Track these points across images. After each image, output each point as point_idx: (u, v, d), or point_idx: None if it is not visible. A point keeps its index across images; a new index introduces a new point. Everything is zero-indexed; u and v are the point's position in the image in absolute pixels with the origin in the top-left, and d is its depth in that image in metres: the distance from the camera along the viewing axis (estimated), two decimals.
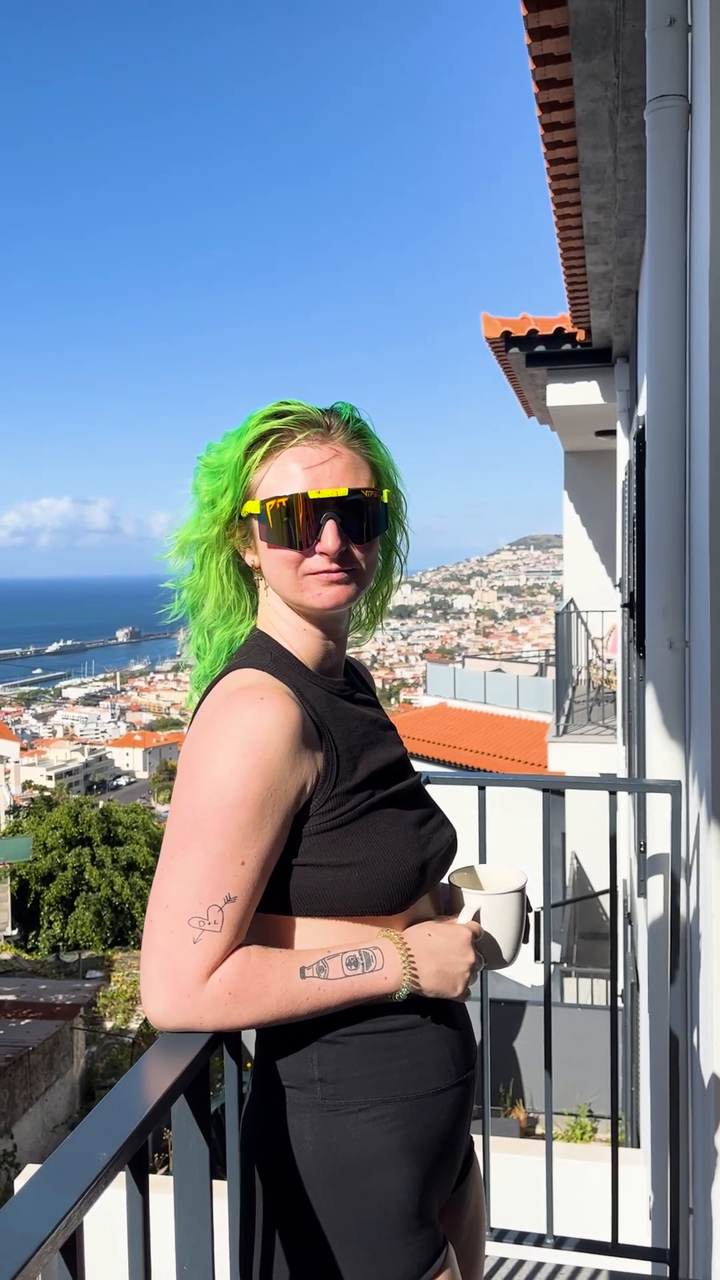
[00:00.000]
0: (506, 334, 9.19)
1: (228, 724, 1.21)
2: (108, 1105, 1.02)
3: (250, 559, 1.35)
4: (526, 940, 1.45)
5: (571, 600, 12.82)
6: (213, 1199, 1.22)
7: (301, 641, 1.35)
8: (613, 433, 10.44)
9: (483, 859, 2.47)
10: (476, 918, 1.40)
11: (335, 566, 1.29)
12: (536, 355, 9.37)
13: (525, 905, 1.44)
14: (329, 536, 1.27)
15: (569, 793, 2.48)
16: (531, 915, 1.46)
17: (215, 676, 1.33)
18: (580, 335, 8.82)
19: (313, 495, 1.27)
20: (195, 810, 1.19)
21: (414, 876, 1.30)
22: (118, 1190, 1.05)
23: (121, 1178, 0.99)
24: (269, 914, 1.27)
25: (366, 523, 1.31)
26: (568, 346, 9.15)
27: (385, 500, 1.35)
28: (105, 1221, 1.35)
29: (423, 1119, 1.29)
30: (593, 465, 13.20)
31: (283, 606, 1.35)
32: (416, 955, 1.27)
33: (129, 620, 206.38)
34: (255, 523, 1.31)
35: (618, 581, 9.37)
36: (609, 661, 12.63)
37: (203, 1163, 1.17)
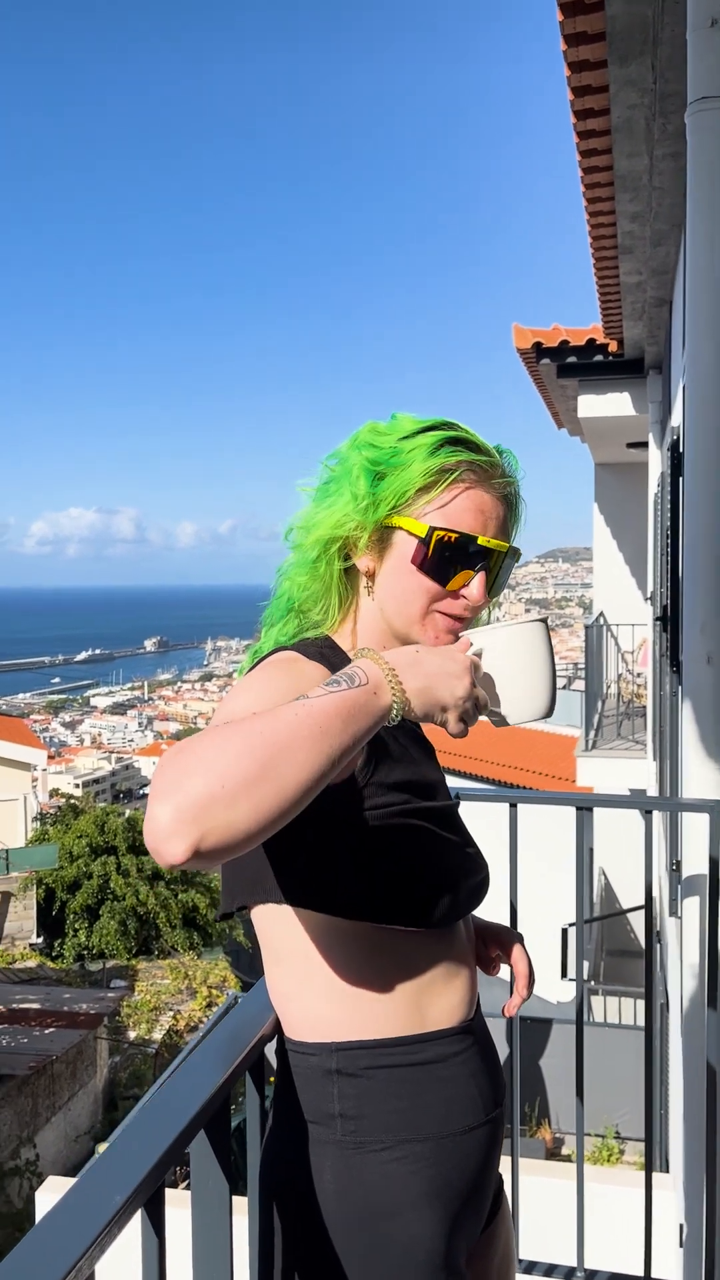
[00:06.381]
0: (538, 345, 9.14)
1: (262, 667, 1.20)
2: (124, 1141, 0.97)
3: (365, 564, 1.28)
4: (553, 686, 1.21)
5: (601, 613, 12.71)
6: (233, 1233, 1.17)
7: None
8: (644, 444, 10.36)
9: (514, 877, 2.41)
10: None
11: (468, 615, 1.26)
12: (568, 366, 9.32)
13: (548, 644, 1.21)
14: (477, 587, 1.25)
15: (596, 807, 2.43)
16: (558, 660, 1.30)
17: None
18: (613, 346, 8.76)
19: (481, 542, 1.24)
20: (225, 716, 1.07)
21: (448, 893, 1.24)
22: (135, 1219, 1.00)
23: (137, 1218, 0.94)
24: (296, 909, 1.20)
25: (500, 580, 1.29)
26: (599, 357, 9.10)
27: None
28: (118, 1251, 1.30)
29: (450, 1160, 1.22)
30: (623, 477, 13.10)
31: (377, 621, 1.30)
32: (399, 669, 1.10)
33: (156, 629, 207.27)
34: (402, 538, 1.25)
35: (649, 595, 9.28)
36: (639, 676, 12.51)
37: (222, 1201, 1.12)
